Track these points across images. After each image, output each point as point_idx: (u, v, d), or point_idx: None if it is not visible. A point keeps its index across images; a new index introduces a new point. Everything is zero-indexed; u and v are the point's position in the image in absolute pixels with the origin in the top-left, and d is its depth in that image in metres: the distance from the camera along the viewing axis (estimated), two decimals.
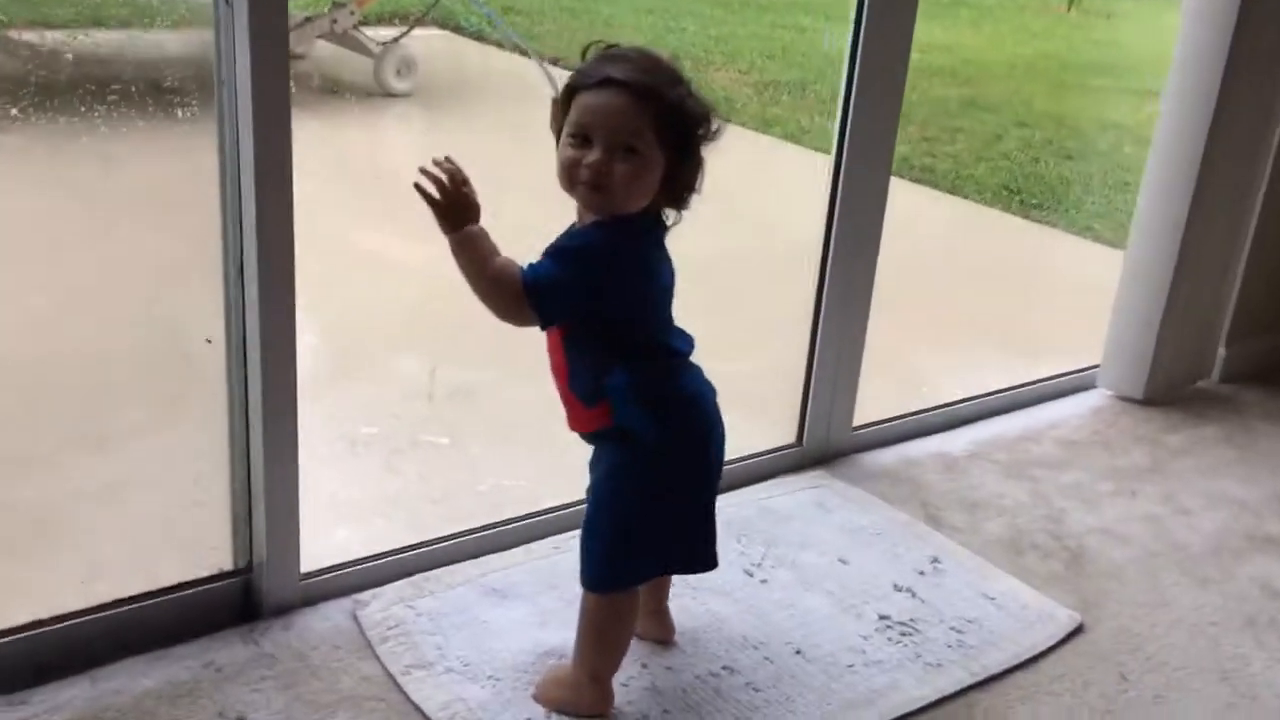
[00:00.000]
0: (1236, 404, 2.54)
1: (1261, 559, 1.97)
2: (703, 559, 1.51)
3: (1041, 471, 2.19)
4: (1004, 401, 2.43)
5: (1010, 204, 4.57)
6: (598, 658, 1.50)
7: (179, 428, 1.87)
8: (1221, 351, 2.63)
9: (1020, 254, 4.15)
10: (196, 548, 1.65)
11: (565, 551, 1.81)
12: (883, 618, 1.72)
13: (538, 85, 4.25)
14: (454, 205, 1.34)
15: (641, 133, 1.33)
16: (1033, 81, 6.74)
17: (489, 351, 2.53)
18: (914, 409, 2.31)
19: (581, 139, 1.35)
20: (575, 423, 1.50)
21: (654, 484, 1.45)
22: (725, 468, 1.53)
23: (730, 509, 1.84)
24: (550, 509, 1.88)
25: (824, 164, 2.05)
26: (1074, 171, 5.11)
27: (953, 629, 1.71)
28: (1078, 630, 1.74)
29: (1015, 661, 1.66)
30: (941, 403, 2.36)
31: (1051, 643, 1.70)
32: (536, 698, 1.52)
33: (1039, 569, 1.90)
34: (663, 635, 1.63)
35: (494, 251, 1.36)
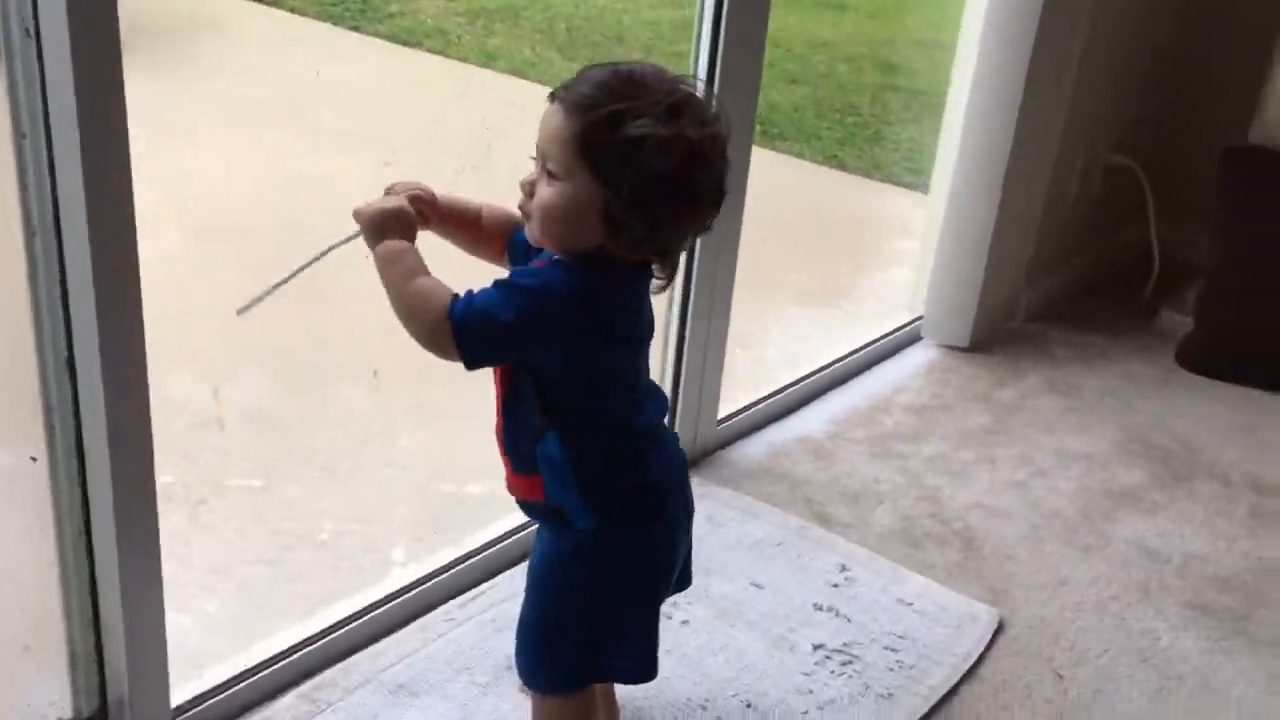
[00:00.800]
0: (1045, 345, 2.60)
1: (1128, 517, 2.02)
2: (643, 670, 1.29)
3: (903, 446, 2.15)
4: (845, 370, 2.37)
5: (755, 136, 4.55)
6: None
7: None
8: (1025, 291, 2.68)
9: (779, 192, 4.14)
10: (27, 701, 1.32)
11: (460, 623, 1.59)
12: (817, 647, 1.63)
13: None
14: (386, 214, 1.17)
15: (559, 154, 1.11)
16: None
17: (285, 358, 2.22)
18: (764, 392, 2.22)
19: (534, 159, 1.15)
20: (508, 485, 1.29)
21: (590, 582, 1.25)
22: None
23: None
24: (431, 574, 1.64)
25: None
26: (802, 96, 5.14)
27: (887, 648, 1.64)
28: (999, 628, 1.71)
29: (958, 676, 1.60)
30: (787, 383, 2.27)
31: (982, 647, 1.66)
32: None
33: (939, 560, 1.86)
34: None
35: (421, 269, 1.15)
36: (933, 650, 1.64)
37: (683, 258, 1.49)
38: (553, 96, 1.13)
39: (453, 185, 1.28)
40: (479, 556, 1.69)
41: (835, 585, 1.75)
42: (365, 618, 1.55)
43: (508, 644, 1.35)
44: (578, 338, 1.16)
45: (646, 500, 1.26)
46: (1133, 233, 2.92)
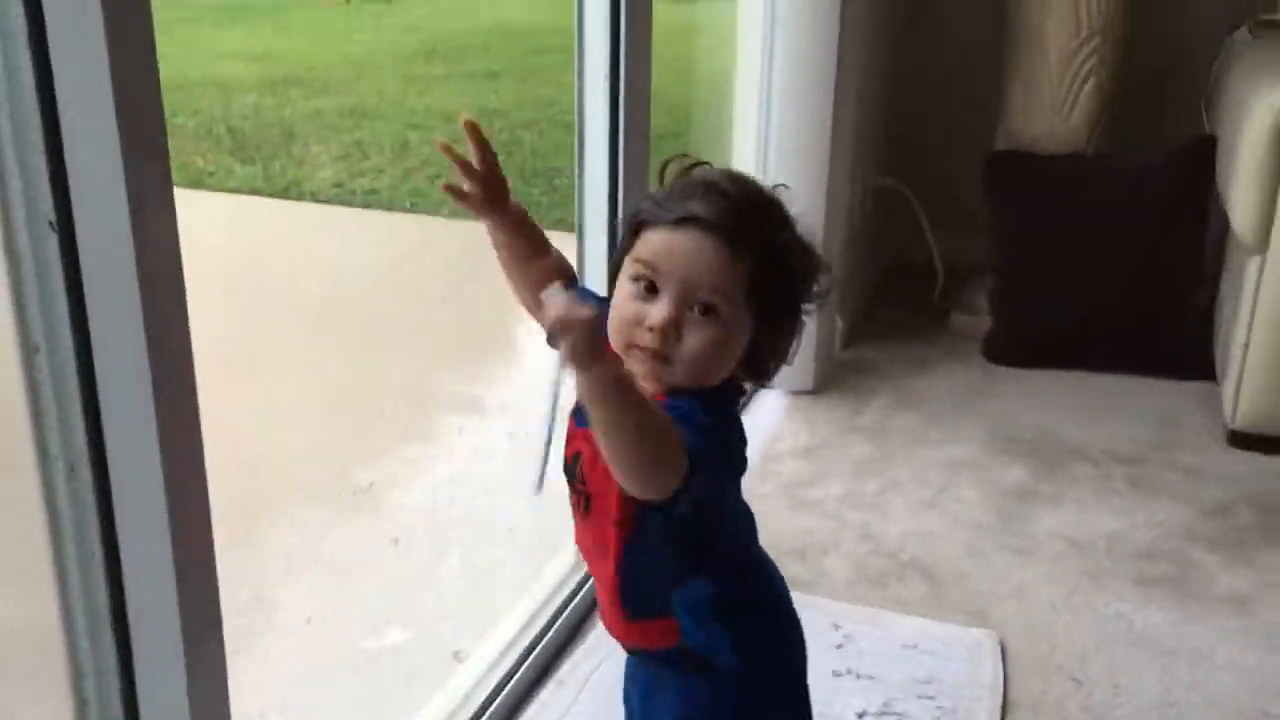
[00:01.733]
0: (873, 367, 2.69)
1: (1037, 513, 2.10)
2: None
3: (811, 492, 2.14)
4: None
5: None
6: None
7: None
8: (839, 320, 2.76)
9: None
10: None
11: None
12: (861, 715, 1.57)
13: None
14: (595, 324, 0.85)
15: (728, 290, 0.99)
16: (384, 78, 6.62)
17: None
18: None
19: (648, 285, 1.00)
20: (618, 633, 1.14)
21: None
22: None
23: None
24: None
25: None
26: (507, 164, 5.10)
27: (922, 697, 1.61)
28: (1003, 649, 1.73)
29: (999, 706, 1.60)
30: None
31: (1002, 671, 1.67)
32: None
33: (909, 595, 1.85)
34: None
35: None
36: (961, 687, 1.63)
37: None
38: (688, 220, 0.99)
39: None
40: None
41: (839, 646, 1.71)
42: None
43: None
44: (727, 471, 1.05)
45: (779, 621, 1.15)
46: (904, 247, 3.10)
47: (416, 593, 1.90)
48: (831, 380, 2.59)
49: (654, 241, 1.00)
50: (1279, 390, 2.27)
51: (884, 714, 1.57)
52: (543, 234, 1.15)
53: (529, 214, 1.14)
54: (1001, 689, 1.63)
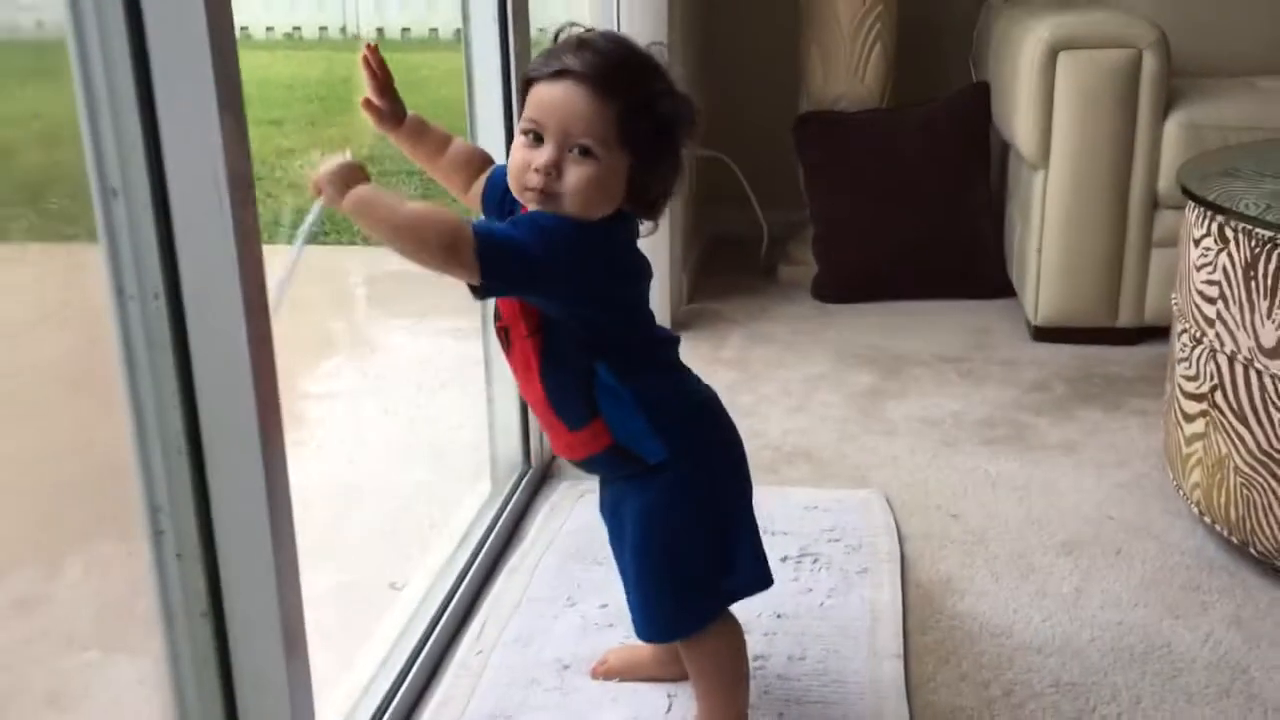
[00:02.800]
0: (720, 316, 2.93)
1: (890, 404, 2.37)
2: (761, 578, 1.35)
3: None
4: None
5: None
6: (729, 697, 1.35)
7: None
8: (682, 275, 3.00)
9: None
10: None
11: (489, 650, 1.54)
12: (784, 559, 1.77)
13: None
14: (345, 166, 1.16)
15: (599, 133, 1.18)
16: None
17: None
18: None
19: (534, 136, 1.19)
20: (563, 450, 1.33)
21: (687, 514, 1.30)
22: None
23: None
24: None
25: None
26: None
27: (832, 540, 1.82)
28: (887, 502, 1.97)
29: (896, 540, 1.83)
30: None
31: (892, 517, 1.91)
32: None
33: (799, 475, 2.08)
34: (684, 674, 1.46)
35: (407, 200, 1.17)
36: (861, 530, 1.86)
37: None
38: (561, 73, 1.18)
39: None
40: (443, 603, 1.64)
41: None
42: (409, 673, 1.46)
43: (545, 648, 1.47)
44: (602, 276, 1.23)
45: (703, 414, 1.33)
46: (728, 214, 3.37)
47: (337, 543, 1.99)
48: (685, 324, 2.82)
49: (537, 95, 1.19)
50: (1069, 286, 2.63)
51: (803, 556, 1.79)
52: (443, 132, 1.36)
53: (425, 120, 1.35)
54: (895, 527, 1.87)
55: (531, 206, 1.21)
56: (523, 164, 1.19)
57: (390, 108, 1.32)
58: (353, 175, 1.16)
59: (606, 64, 1.18)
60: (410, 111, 1.33)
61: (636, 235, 1.29)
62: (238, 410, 1.04)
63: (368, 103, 1.31)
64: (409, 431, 2.42)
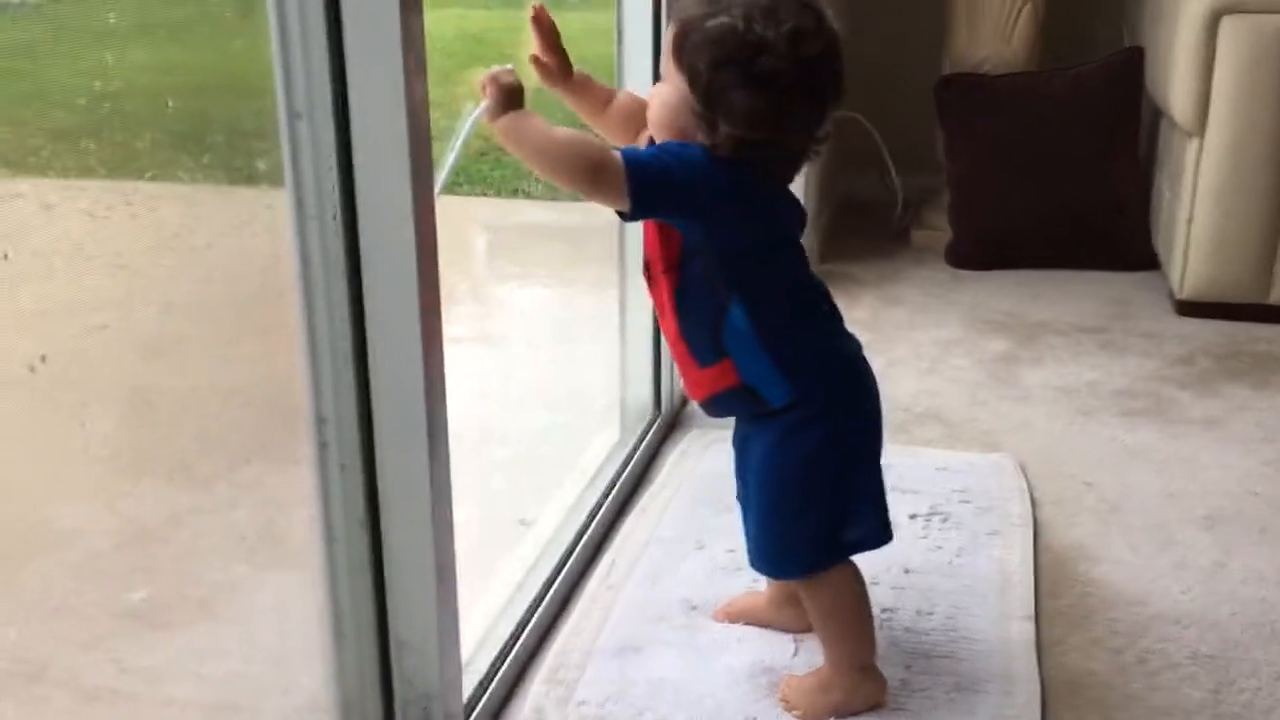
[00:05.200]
0: (850, 277, 2.92)
1: (1025, 370, 2.34)
2: (881, 535, 1.35)
3: None
4: None
5: None
6: (852, 644, 1.36)
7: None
8: (813, 238, 2.98)
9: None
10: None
11: (619, 586, 1.58)
12: (913, 517, 1.76)
13: None
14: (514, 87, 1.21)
15: (667, 55, 1.23)
16: None
17: None
18: None
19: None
20: (692, 388, 1.34)
21: (809, 457, 1.29)
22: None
23: None
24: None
25: None
26: None
27: (963, 502, 1.81)
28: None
29: (1028, 502, 1.81)
30: None
31: (1024, 480, 1.88)
32: (804, 716, 1.34)
33: (931, 436, 2.07)
34: (802, 625, 1.47)
35: (555, 126, 1.21)
36: (992, 492, 1.84)
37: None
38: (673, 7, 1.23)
39: None
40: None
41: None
42: (541, 603, 1.50)
43: (673, 588, 1.49)
44: (736, 202, 1.23)
45: (837, 364, 1.32)
46: (860, 177, 3.34)
47: (467, 480, 2.04)
48: None
49: None
50: (1220, 259, 2.55)
51: (932, 514, 1.78)
52: (608, 88, 1.38)
53: (590, 75, 1.36)
54: (1028, 492, 1.85)
55: None
56: None
57: (558, 63, 1.33)
58: (514, 96, 1.20)
59: (698, 3, 1.21)
60: (576, 67, 1.35)
61: (773, 176, 1.27)
62: (403, 327, 1.08)
63: (536, 59, 1.32)
64: (541, 377, 2.47)
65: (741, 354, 1.27)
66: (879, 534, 1.36)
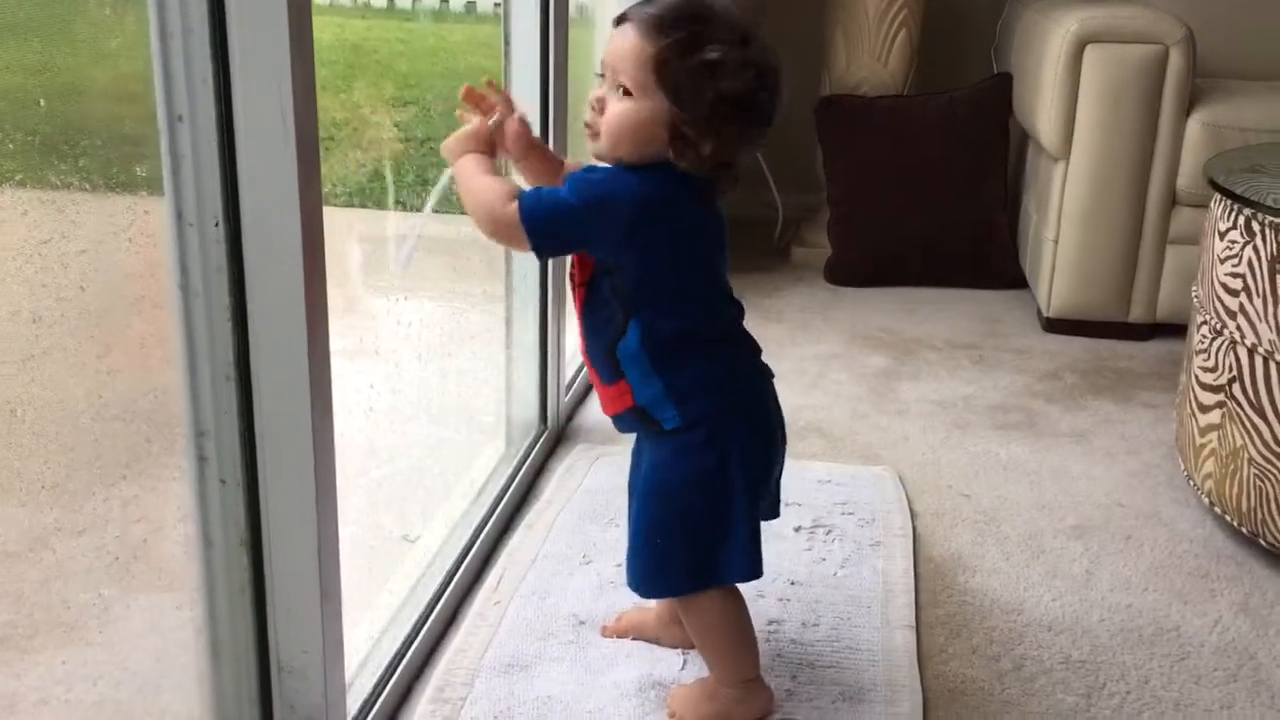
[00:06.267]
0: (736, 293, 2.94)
1: (903, 386, 2.39)
2: (752, 569, 1.33)
3: None
4: None
5: None
6: (733, 659, 1.37)
7: None
8: None
9: None
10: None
11: (506, 602, 1.56)
12: (798, 529, 1.79)
13: None
14: (462, 136, 1.28)
15: (637, 73, 1.19)
16: None
17: None
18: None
19: (600, 77, 1.25)
20: (602, 403, 1.35)
21: (691, 480, 1.29)
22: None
23: None
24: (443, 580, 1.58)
25: None
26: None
27: (845, 514, 1.84)
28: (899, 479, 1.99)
29: (908, 515, 1.85)
30: None
31: (904, 492, 1.92)
32: None
33: (813, 450, 2.10)
34: (689, 641, 1.47)
35: (489, 171, 1.26)
36: (874, 504, 1.88)
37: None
38: (622, 19, 1.22)
39: None
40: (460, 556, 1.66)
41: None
42: (426, 621, 1.47)
43: (561, 603, 1.50)
44: (644, 231, 1.23)
45: (729, 393, 1.31)
46: (742, 197, 3.37)
47: (350, 496, 2.00)
48: None
49: (609, 39, 1.23)
50: (1083, 279, 2.64)
51: (816, 526, 1.80)
52: (557, 159, 1.39)
53: (542, 146, 1.38)
54: (907, 503, 1.89)
55: (587, 146, 1.25)
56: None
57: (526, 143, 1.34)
58: (472, 142, 1.27)
59: (659, 8, 1.21)
60: (533, 135, 1.35)
61: (701, 198, 1.27)
62: (288, 338, 1.05)
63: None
64: (424, 391, 2.43)
65: (634, 375, 1.27)
66: (749, 570, 1.33)
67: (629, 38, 1.20)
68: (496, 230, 1.21)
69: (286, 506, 1.10)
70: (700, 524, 1.31)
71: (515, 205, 1.19)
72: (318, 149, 1.04)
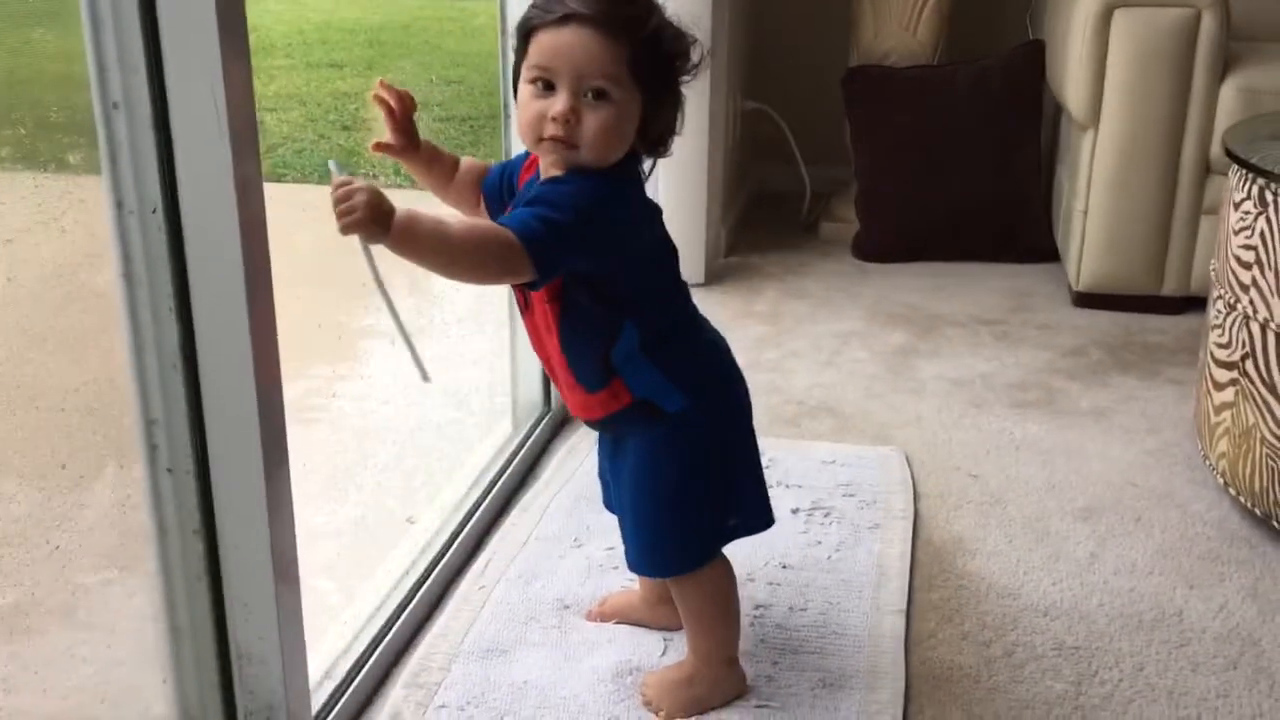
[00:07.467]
0: (758, 269, 2.90)
1: (921, 363, 2.35)
2: (763, 517, 1.36)
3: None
4: None
5: None
6: (720, 636, 1.35)
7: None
8: (720, 228, 2.97)
9: None
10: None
11: (491, 586, 1.55)
12: (795, 511, 1.76)
13: None
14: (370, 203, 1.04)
15: (613, 73, 1.15)
16: None
17: None
18: None
19: (543, 85, 1.15)
20: (580, 410, 1.32)
21: (695, 456, 1.30)
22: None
23: None
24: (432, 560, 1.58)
25: None
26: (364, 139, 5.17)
27: (846, 495, 1.81)
28: (907, 460, 1.95)
29: (911, 496, 1.81)
30: None
31: (909, 474, 1.89)
32: (667, 714, 1.33)
33: (821, 429, 2.07)
34: (676, 623, 1.47)
35: (442, 221, 1.11)
36: (877, 486, 1.84)
37: None
38: (568, 19, 1.14)
39: None
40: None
41: (766, 466, 1.89)
42: (409, 605, 1.47)
43: (547, 587, 1.48)
44: (635, 231, 1.22)
45: (719, 367, 1.34)
46: (771, 170, 3.33)
47: (361, 478, 2.01)
48: (720, 277, 2.80)
49: (543, 42, 1.15)
50: (1114, 251, 2.57)
51: (815, 509, 1.77)
52: (452, 157, 1.31)
53: (436, 145, 1.30)
54: (911, 485, 1.85)
55: (548, 158, 1.19)
56: (537, 115, 1.16)
57: (406, 141, 1.25)
58: (382, 203, 1.05)
59: (610, 3, 1.15)
60: (423, 139, 1.27)
61: (643, 176, 1.26)
62: (232, 324, 1.05)
63: (381, 145, 1.24)
64: (439, 372, 2.43)
65: (632, 372, 1.25)
66: (761, 519, 1.36)
67: (589, 38, 1.13)
68: (505, 268, 1.12)
69: (237, 494, 1.09)
70: (712, 496, 1.32)
71: (512, 234, 1.11)
72: (255, 134, 1.03)
